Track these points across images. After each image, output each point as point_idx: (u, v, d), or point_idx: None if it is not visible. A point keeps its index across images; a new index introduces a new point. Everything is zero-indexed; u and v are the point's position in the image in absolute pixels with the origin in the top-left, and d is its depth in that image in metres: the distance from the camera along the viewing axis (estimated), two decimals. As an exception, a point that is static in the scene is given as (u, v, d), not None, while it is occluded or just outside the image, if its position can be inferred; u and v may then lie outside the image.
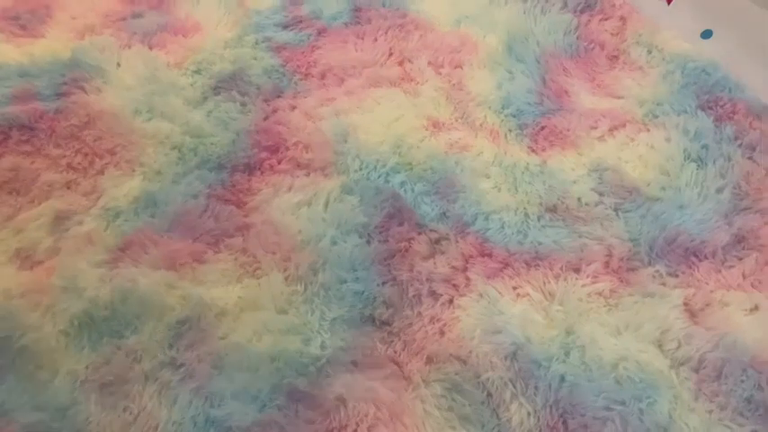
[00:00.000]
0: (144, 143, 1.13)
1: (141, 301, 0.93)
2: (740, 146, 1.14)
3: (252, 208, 1.06)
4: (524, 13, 1.34)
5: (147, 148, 1.12)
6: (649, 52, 1.28)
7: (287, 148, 1.13)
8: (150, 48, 1.28)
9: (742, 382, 0.87)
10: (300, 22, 1.34)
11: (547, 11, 1.34)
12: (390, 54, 1.29)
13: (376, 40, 1.31)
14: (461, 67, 1.27)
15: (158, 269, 0.97)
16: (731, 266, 1.00)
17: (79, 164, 1.10)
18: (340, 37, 1.32)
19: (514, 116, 1.19)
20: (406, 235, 1.03)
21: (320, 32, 1.32)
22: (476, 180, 1.10)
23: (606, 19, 1.33)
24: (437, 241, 1.02)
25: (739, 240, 1.03)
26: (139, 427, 0.83)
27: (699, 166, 1.11)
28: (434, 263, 1.00)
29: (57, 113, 1.16)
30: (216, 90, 1.21)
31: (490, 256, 1.01)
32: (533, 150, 1.15)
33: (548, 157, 1.13)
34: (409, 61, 1.28)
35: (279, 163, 1.11)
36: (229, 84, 1.21)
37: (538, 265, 0.99)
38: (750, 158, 1.12)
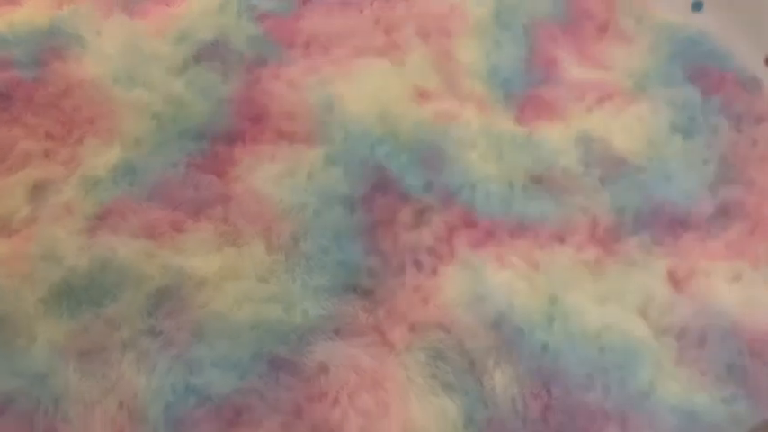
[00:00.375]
0: (123, 112, 1.10)
1: (120, 269, 0.92)
2: (727, 117, 1.13)
3: (233, 178, 1.04)
4: (513, -18, 1.32)
5: (126, 117, 1.10)
6: (638, 23, 1.27)
7: (270, 118, 1.11)
8: (131, 16, 1.25)
9: (723, 348, 0.87)
10: (285, -10, 1.32)
11: (536, -20, 1.32)
12: (377, 22, 1.27)
13: (362, 9, 1.29)
14: (449, 37, 1.25)
15: (137, 238, 0.95)
16: (715, 236, 0.99)
17: (57, 133, 1.08)
18: (325, 5, 1.29)
19: (502, 86, 1.18)
20: (391, 206, 1.01)
21: (305, 1, 1.30)
22: (462, 150, 1.09)
23: (595, -11, 1.32)
24: (422, 212, 1.01)
25: (724, 211, 1.02)
26: (118, 393, 0.82)
27: (685, 137, 1.10)
28: (419, 233, 0.99)
29: (35, 82, 1.13)
30: (197, 59, 1.18)
31: (475, 226, 1.00)
32: (520, 121, 1.14)
33: (534, 128, 1.12)
34: (396, 30, 1.26)
35: (261, 133, 1.09)
36: (211, 53, 1.19)
37: (522, 235, 0.99)
38: (737, 130, 1.12)
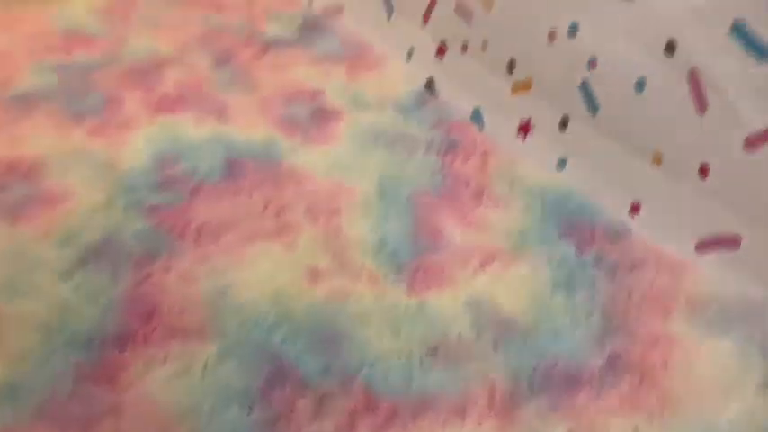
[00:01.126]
0: (5, 327, 1.06)
1: None
2: (602, 269, 1.21)
3: (125, 385, 1.00)
4: (393, 158, 1.41)
5: (8, 332, 1.06)
6: (511, 186, 1.37)
7: (161, 315, 1.10)
8: (14, 222, 1.24)
9: None
10: (174, 181, 1.35)
11: (413, 155, 1.41)
12: (266, 207, 1.31)
13: (251, 194, 1.33)
14: (338, 215, 1.30)
15: (18, 469, 0.89)
16: (608, 391, 1.02)
17: (-71, 357, 1.02)
18: (215, 193, 1.33)
19: (391, 258, 1.22)
20: (289, 398, 1.00)
21: (194, 191, 1.33)
22: (358, 328, 1.10)
23: (468, 158, 1.42)
24: (321, 400, 1.00)
25: (613, 363, 1.06)
26: None
27: (567, 292, 1.17)
28: (320, 424, 0.97)
29: None
30: (84, 261, 1.17)
31: (376, 408, 0.99)
32: (412, 291, 1.17)
33: (426, 297, 1.16)
34: (285, 212, 1.30)
35: (152, 332, 1.07)
36: (98, 253, 1.18)
37: (424, 414, 0.98)
38: (612, 280, 1.19)
